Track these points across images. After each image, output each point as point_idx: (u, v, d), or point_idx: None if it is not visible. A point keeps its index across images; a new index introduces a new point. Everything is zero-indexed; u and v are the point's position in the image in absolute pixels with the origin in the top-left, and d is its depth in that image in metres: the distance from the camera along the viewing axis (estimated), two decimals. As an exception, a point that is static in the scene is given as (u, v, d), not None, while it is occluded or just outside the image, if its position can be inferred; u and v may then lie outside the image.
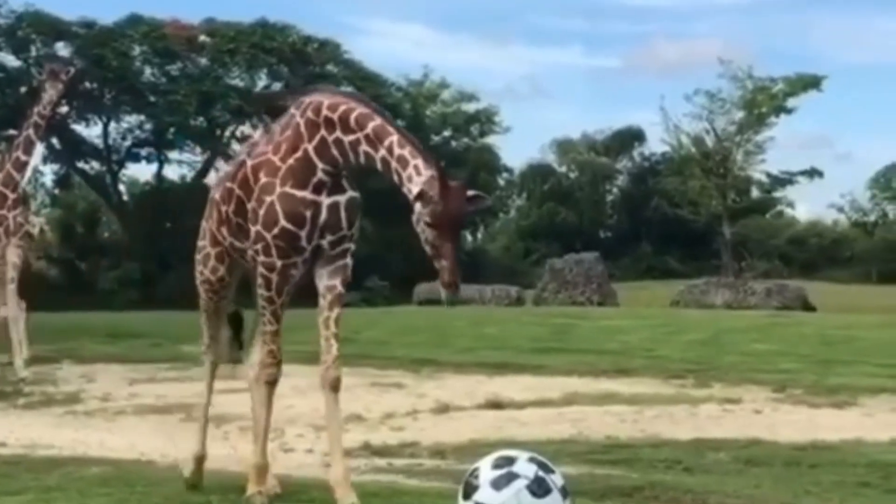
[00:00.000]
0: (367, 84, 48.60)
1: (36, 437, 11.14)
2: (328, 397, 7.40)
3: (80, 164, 49.72)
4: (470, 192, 6.85)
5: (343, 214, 7.33)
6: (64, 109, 20.06)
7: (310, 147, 7.23)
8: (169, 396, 13.93)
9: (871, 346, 18.78)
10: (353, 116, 7.11)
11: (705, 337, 20.56)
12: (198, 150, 50.07)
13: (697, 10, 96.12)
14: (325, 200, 7.27)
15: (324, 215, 7.26)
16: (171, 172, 51.71)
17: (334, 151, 7.14)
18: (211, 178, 51.32)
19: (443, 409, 12.83)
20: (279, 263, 7.30)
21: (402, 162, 6.85)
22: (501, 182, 66.68)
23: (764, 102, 56.73)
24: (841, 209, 76.73)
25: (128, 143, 49.33)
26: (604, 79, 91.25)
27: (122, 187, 52.13)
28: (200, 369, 9.16)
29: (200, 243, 8.38)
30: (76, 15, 45.36)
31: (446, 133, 58.11)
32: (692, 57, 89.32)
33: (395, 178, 6.91)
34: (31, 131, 17.94)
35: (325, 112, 7.22)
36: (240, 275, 8.25)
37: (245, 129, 49.94)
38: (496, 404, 12.95)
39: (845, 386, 14.29)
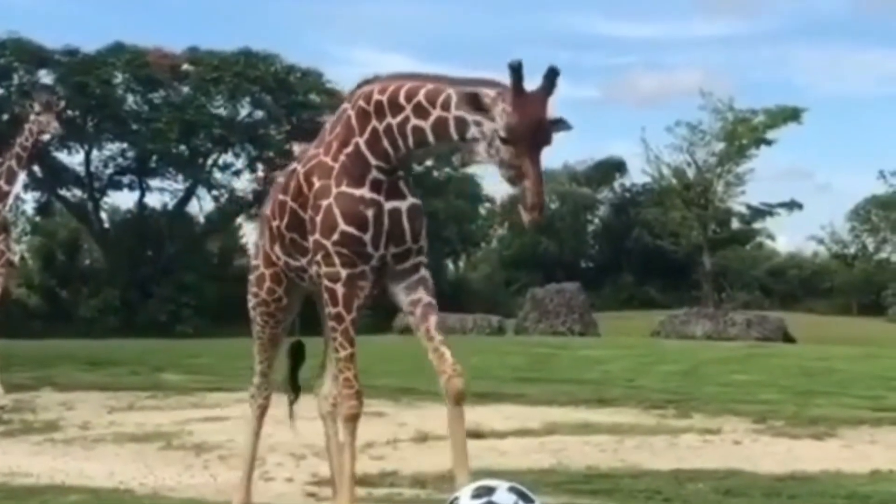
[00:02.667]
0: (349, 113, 48.75)
1: (14, 465, 11.08)
2: (452, 412, 6.55)
3: (62, 192, 49.58)
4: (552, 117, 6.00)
5: (406, 224, 6.60)
6: (46, 137, 20.04)
7: (361, 140, 6.55)
8: (148, 425, 13.88)
9: (851, 378, 18.85)
10: (402, 92, 6.40)
11: (685, 367, 20.60)
12: (180, 177, 50.02)
13: (676, 42, 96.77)
14: (386, 204, 6.54)
15: (386, 220, 6.53)
16: (153, 200, 51.63)
17: (384, 143, 6.46)
18: (192, 206, 51.40)
19: (423, 438, 12.81)
20: (344, 273, 6.56)
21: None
22: (483, 212, 66.74)
23: (744, 134, 57.03)
24: (821, 241, 77.07)
25: (110, 170, 49.24)
26: (583, 109, 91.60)
27: (103, 215, 51.93)
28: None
29: (253, 263, 7.73)
30: (59, 43, 45.37)
31: (428, 162, 58.21)
32: (671, 88, 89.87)
33: (454, 131, 6.19)
34: (13, 161, 17.96)
35: (376, 97, 6.52)
36: (300, 299, 7.62)
37: (227, 157, 50.04)
38: (476, 434, 12.92)
39: (825, 417, 14.32)
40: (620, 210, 73.61)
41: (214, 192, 50.93)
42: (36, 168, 45.05)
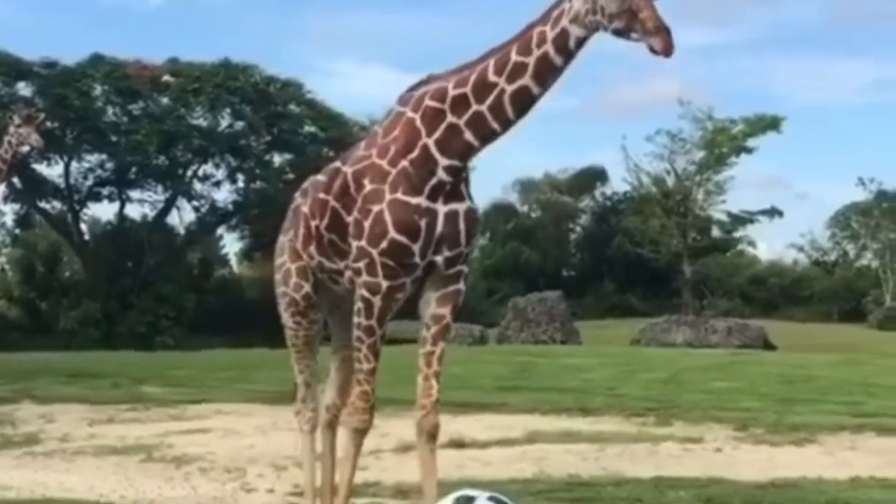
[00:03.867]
0: (330, 124, 48.79)
1: (-6, 478, 11.02)
2: (424, 449, 6.54)
3: (42, 204, 49.51)
4: None
5: (462, 226, 6.43)
6: (26, 150, 20.02)
7: (430, 141, 6.30)
8: (128, 437, 13.81)
9: (831, 385, 18.90)
10: (486, 69, 6.20)
11: (666, 375, 20.63)
12: (160, 188, 49.96)
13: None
14: (442, 209, 6.35)
15: (440, 226, 6.35)
16: (133, 211, 51.57)
17: (468, 135, 6.25)
18: (173, 217, 51.29)
19: (405, 448, 12.78)
20: (385, 285, 6.38)
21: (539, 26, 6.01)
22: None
23: (724, 143, 57.32)
24: (801, 248, 77.54)
25: (89, 182, 49.20)
26: (564, 119, 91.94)
27: (83, 226, 51.87)
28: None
29: (278, 261, 7.41)
30: (38, 55, 45.31)
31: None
32: (651, 98, 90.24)
33: (571, 36, 5.94)
34: (-8, 174, 17.92)
35: (452, 92, 6.29)
36: (328, 301, 7.33)
37: (208, 168, 50.01)
38: (458, 443, 12.92)
39: (805, 424, 14.35)
40: (601, 219, 73.82)
41: (195, 203, 50.93)
42: (15, 180, 44.89)
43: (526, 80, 6.08)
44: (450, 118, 6.26)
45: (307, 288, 7.20)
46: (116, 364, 24.52)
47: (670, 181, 59.70)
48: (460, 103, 6.24)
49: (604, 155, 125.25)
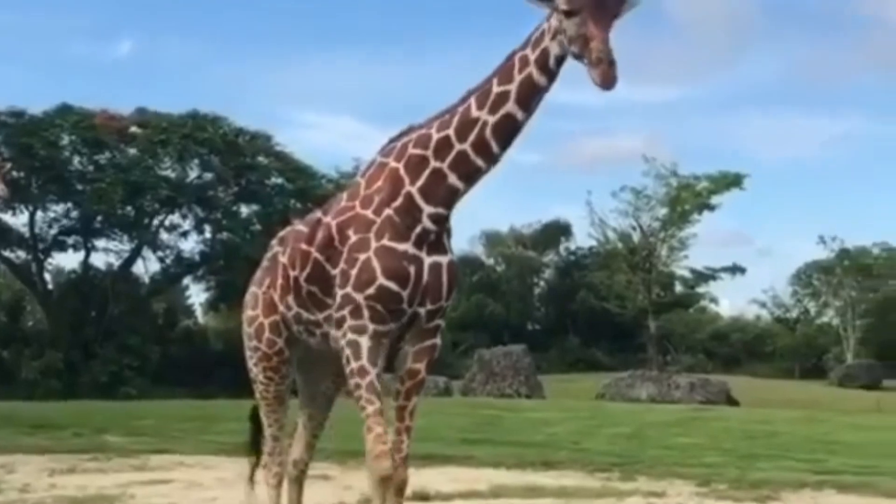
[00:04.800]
0: (298, 176, 48.90)
1: (-47, 529, 10.93)
2: (391, 502, 6.35)
3: (6, 253, 49.14)
4: None
5: (445, 279, 6.37)
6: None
7: (414, 189, 6.26)
8: (90, 487, 13.70)
9: (793, 442, 19.02)
10: (468, 107, 6.20)
11: (630, 430, 20.70)
12: (125, 238, 49.77)
13: (618, 108, 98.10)
14: (427, 259, 6.30)
15: (425, 276, 6.30)
16: (98, 261, 51.32)
17: (452, 178, 6.22)
18: (138, 267, 51.05)
19: (368, 500, 12.76)
20: (371, 327, 6.23)
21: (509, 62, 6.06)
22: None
23: (688, 200, 57.86)
24: (763, 304, 78.02)
25: (54, 231, 48.94)
26: (527, 174, 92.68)
27: (47, 276, 51.56)
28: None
29: (250, 313, 7.24)
30: (5, 104, 45.18)
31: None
32: (614, 153, 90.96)
33: (550, 53, 5.93)
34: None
35: (435, 136, 6.28)
36: (298, 354, 7.21)
37: (174, 218, 49.89)
38: (423, 496, 12.90)
39: (768, 481, 14.42)
40: (566, 273, 74.14)
41: (160, 254, 50.74)
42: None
43: (509, 106, 6.07)
44: (433, 163, 6.22)
45: (280, 343, 7.10)
46: (78, 413, 24.32)
47: (636, 237, 60.16)
48: (443, 146, 6.22)
49: (569, 208, 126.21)
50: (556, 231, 75.33)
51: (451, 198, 6.27)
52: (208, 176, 48.86)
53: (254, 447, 7.80)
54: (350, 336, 6.25)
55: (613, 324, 66.37)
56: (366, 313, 6.20)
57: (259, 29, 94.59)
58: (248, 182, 48.86)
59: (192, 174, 49.11)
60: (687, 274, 66.71)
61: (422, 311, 6.33)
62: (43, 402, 31.56)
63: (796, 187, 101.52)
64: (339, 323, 6.32)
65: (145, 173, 46.01)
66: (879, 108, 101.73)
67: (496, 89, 6.11)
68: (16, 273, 50.67)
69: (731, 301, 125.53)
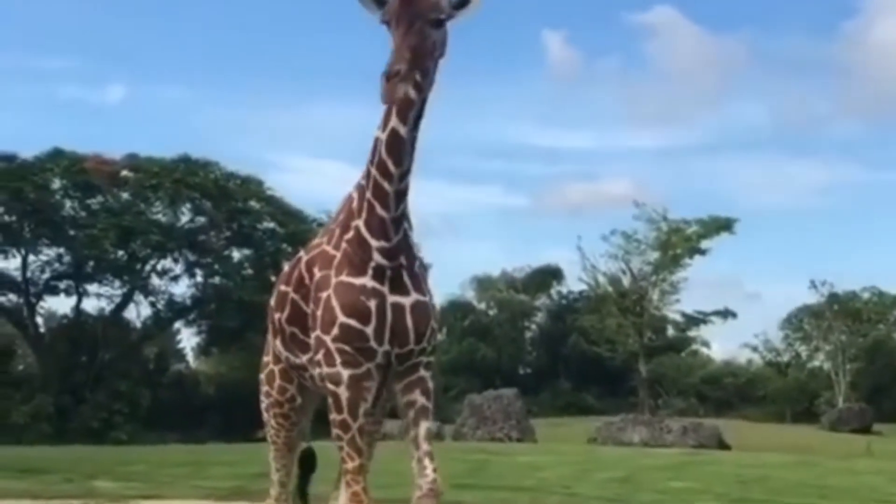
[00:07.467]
0: (288, 219, 49.01)
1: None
2: None
3: (-3, 296, 49.13)
4: None
5: (409, 322, 6.11)
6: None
7: (360, 223, 6.09)
8: (80, 533, 13.68)
9: (786, 486, 19.00)
10: (381, 150, 6.04)
11: (622, 474, 20.64)
12: (117, 283, 49.75)
13: (607, 153, 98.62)
14: (389, 297, 6.05)
15: (389, 314, 6.03)
16: (90, 305, 51.29)
17: (378, 209, 6.02)
18: (130, 312, 51.00)
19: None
20: (346, 374, 5.98)
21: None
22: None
23: (679, 244, 58.00)
24: (755, 349, 77.94)
25: (46, 275, 48.91)
26: (517, 218, 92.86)
27: (38, 319, 51.47)
28: None
29: (265, 359, 7.12)
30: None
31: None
32: (603, 197, 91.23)
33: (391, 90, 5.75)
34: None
35: (368, 165, 6.11)
36: (314, 399, 7.04)
37: (166, 262, 49.91)
38: (414, 541, 12.89)
39: (759, 524, 14.44)
40: (557, 317, 74.12)
41: (151, 298, 50.69)
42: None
43: (393, 122, 5.96)
44: (367, 194, 6.07)
45: (292, 390, 6.97)
46: (68, 458, 24.18)
47: (626, 281, 60.24)
48: (369, 173, 6.10)
49: (559, 252, 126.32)
50: (548, 275, 75.39)
51: (384, 229, 6.05)
52: (200, 220, 48.97)
53: (301, 494, 7.58)
54: (329, 387, 6.08)
55: (605, 367, 66.31)
56: (337, 359, 6.01)
57: (247, 74, 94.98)
58: (239, 226, 48.95)
59: (184, 218, 49.27)
60: (678, 318, 66.80)
61: (392, 353, 6.10)
62: (33, 447, 31.40)
63: (787, 232, 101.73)
64: (318, 366, 6.17)
65: (137, 218, 46.11)
66: (864, 155, 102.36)
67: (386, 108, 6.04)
68: (7, 317, 50.57)
69: (722, 345, 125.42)
